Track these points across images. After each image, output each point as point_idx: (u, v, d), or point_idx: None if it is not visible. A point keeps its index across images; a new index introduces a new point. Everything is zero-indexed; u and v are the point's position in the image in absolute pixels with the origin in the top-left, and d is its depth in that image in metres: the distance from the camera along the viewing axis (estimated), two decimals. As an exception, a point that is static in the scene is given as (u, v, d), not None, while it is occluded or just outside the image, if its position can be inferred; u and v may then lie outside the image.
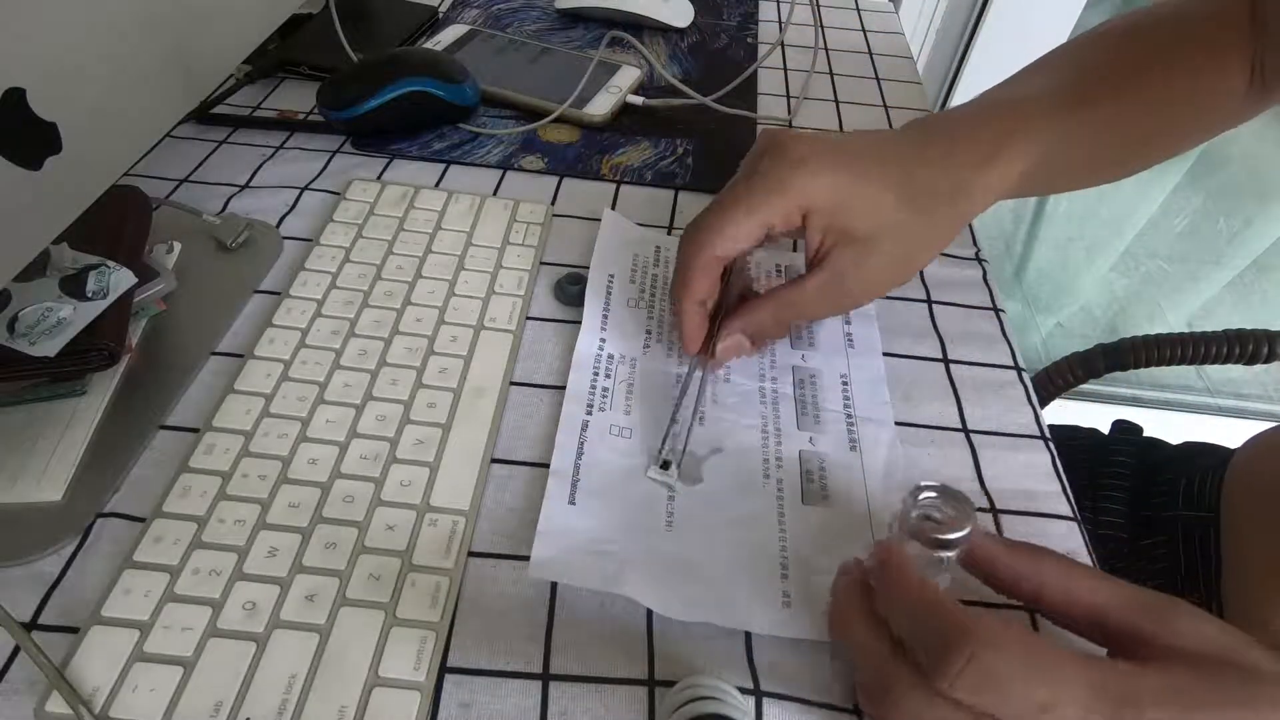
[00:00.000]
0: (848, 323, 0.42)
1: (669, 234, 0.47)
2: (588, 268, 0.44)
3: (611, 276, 0.43)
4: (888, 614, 0.25)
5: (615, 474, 0.34)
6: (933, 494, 0.26)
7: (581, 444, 0.35)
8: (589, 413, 0.36)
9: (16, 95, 0.28)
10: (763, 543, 0.32)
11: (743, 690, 0.27)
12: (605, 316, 0.41)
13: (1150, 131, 0.39)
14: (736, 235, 0.34)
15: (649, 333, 0.40)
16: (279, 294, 0.40)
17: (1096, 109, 0.36)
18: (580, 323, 0.40)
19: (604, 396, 0.37)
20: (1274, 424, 0.49)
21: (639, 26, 0.66)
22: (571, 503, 0.33)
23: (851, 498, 0.34)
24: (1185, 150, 0.42)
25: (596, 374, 0.38)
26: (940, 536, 0.26)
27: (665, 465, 0.34)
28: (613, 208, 0.48)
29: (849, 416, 0.37)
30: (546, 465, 0.34)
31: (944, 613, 0.22)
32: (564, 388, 0.38)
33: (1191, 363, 0.57)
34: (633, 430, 0.36)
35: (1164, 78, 0.37)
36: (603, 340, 0.40)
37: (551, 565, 0.30)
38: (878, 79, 0.64)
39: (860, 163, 0.34)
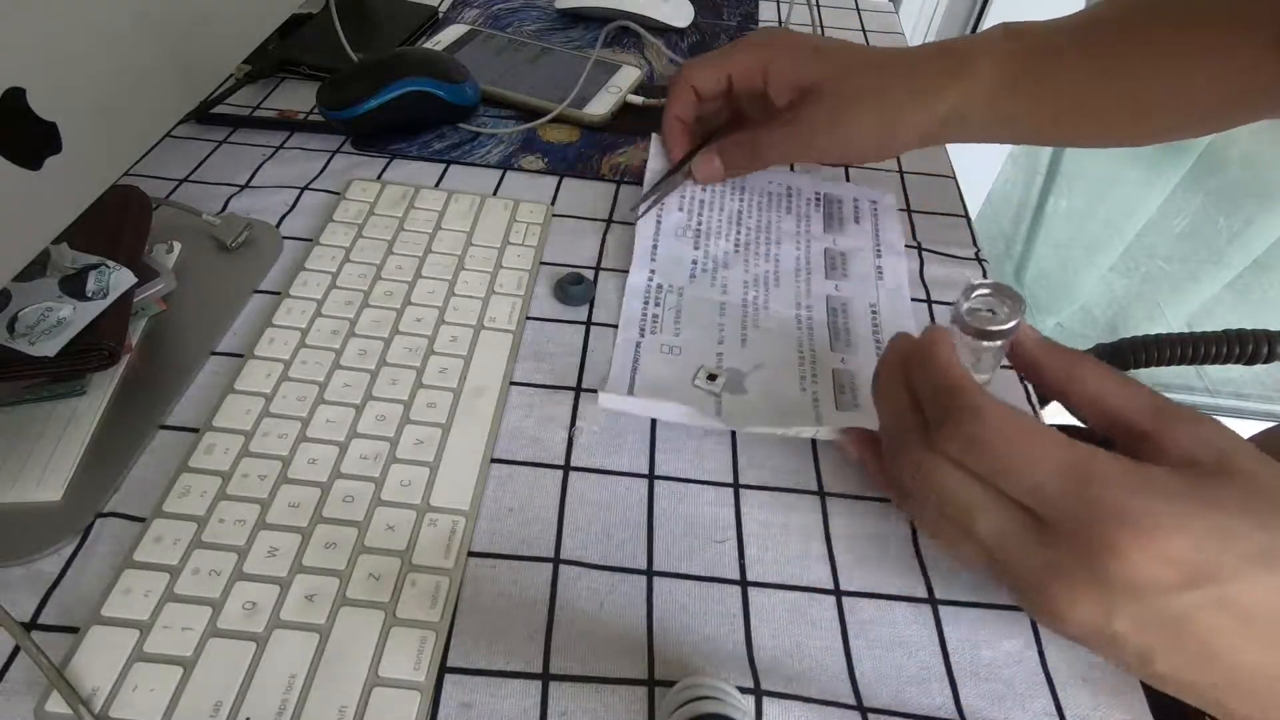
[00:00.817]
0: (879, 256, 0.46)
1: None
2: (589, 268, 0.44)
3: (662, 205, 0.46)
4: (915, 380, 0.27)
5: (668, 383, 0.38)
6: (985, 290, 0.28)
7: (636, 360, 0.39)
8: (641, 335, 0.40)
9: (16, 95, 0.28)
10: (798, 446, 0.36)
11: (743, 690, 0.27)
12: (655, 247, 0.44)
13: (1159, 98, 0.38)
14: (704, 73, 0.44)
15: (695, 263, 0.44)
16: (279, 294, 0.40)
17: (1100, 46, 0.38)
18: (581, 322, 0.41)
19: (654, 321, 0.41)
20: (1272, 424, 0.49)
21: (639, 26, 0.66)
22: (630, 394, 0.37)
23: None
24: (1199, 132, 0.41)
25: (647, 302, 0.42)
26: (985, 328, 0.27)
27: (712, 377, 0.38)
28: (612, 208, 0.48)
29: (877, 340, 0.41)
30: (547, 465, 0.35)
31: (956, 385, 0.25)
32: (564, 387, 0.38)
33: (1191, 363, 0.57)
34: (682, 349, 0.40)
35: (1177, 46, 0.37)
36: (652, 272, 0.43)
37: (614, 404, 0.36)
38: (878, 79, 0.64)
39: (827, 48, 0.42)
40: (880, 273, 0.45)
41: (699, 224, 0.46)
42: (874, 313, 0.42)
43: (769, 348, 0.40)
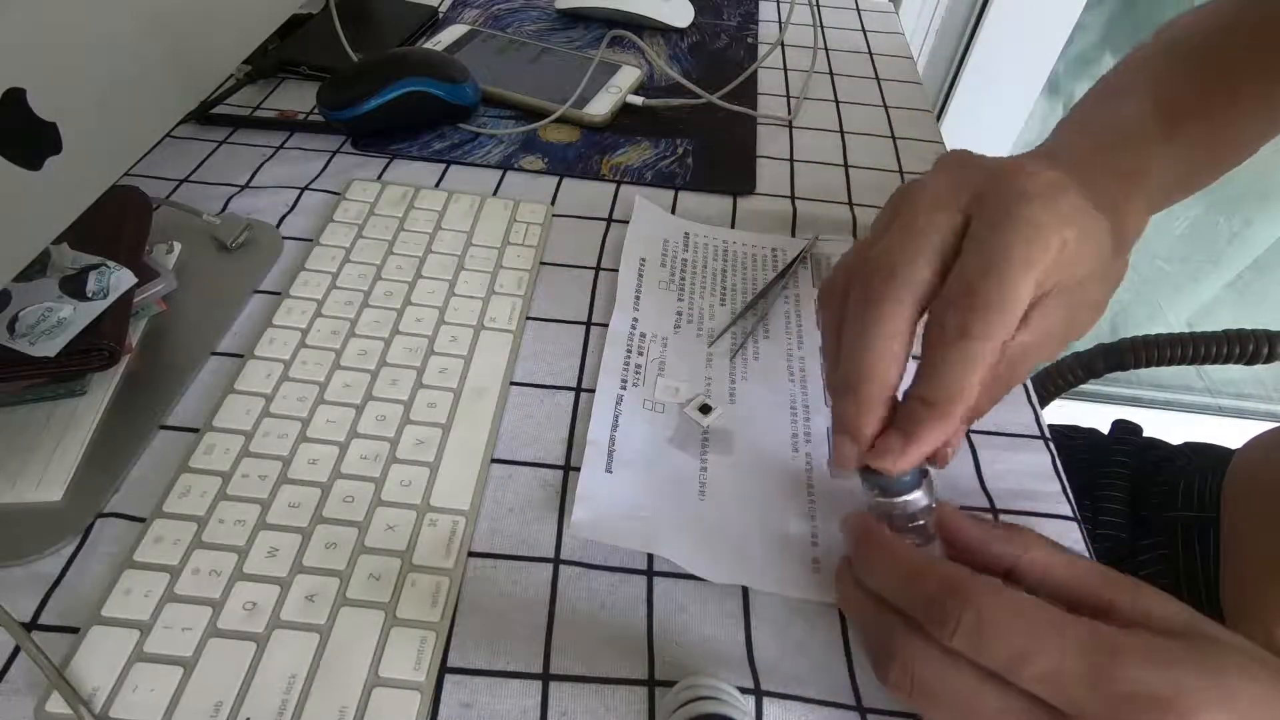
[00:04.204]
0: None
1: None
2: (589, 268, 0.44)
3: (643, 260, 0.44)
4: (875, 586, 0.25)
5: (649, 446, 0.35)
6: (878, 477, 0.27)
7: (617, 416, 0.36)
8: (623, 387, 0.38)
9: (16, 95, 0.28)
10: (793, 512, 0.34)
11: (743, 690, 0.27)
12: (638, 297, 0.42)
13: (1238, 141, 0.40)
14: (1021, 303, 0.24)
15: (679, 314, 0.42)
16: (279, 294, 0.40)
17: (1188, 129, 0.37)
18: (581, 322, 0.41)
19: (637, 372, 0.38)
20: (1274, 424, 0.49)
21: (639, 26, 0.66)
22: (609, 471, 0.34)
23: None
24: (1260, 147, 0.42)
25: (630, 350, 0.39)
26: (893, 491, 0.26)
27: (705, 409, 0.37)
28: (612, 208, 0.48)
29: None
30: (547, 465, 0.35)
31: (931, 570, 0.23)
32: (564, 387, 0.38)
33: (1191, 363, 0.57)
34: (665, 405, 0.37)
35: (1247, 89, 0.38)
36: (635, 320, 0.41)
37: (592, 527, 0.32)
38: (878, 79, 0.64)
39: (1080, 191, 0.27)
40: None
41: (682, 279, 0.43)
42: None
43: (759, 402, 0.38)
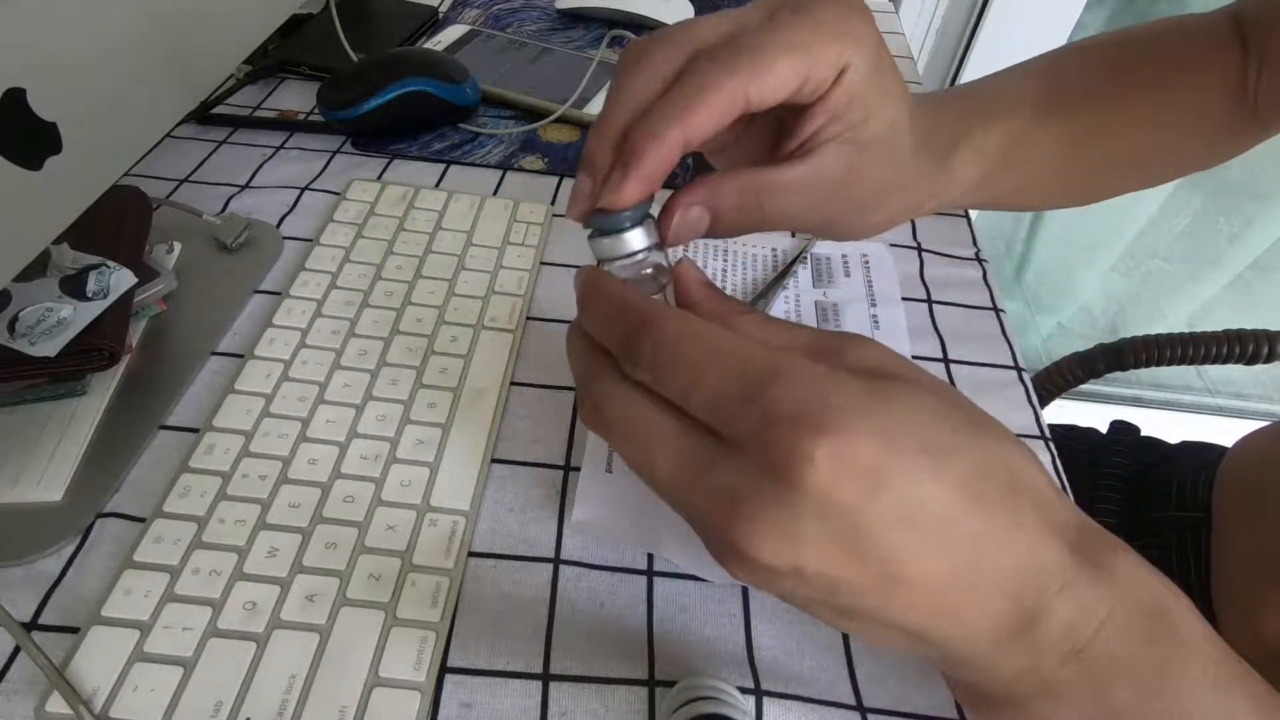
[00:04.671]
0: (874, 306, 0.43)
1: None
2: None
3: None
4: (586, 327, 0.24)
5: None
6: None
7: None
8: None
9: (16, 95, 0.28)
10: None
11: (743, 690, 0.27)
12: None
13: (1129, 152, 0.37)
14: (771, 74, 0.24)
15: None
16: (279, 294, 0.40)
17: (1071, 118, 0.35)
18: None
19: None
20: (1269, 422, 0.49)
21: (639, 26, 0.66)
22: (609, 471, 0.34)
23: None
24: (1163, 180, 0.41)
25: None
26: (608, 229, 0.25)
27: None
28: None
29: None
30: (547, 465, 0.35)
31: (627, 303, 0.22)
32: (564, 388, 0.38)
33: (1191, 363, 0.57)
34: None
35: (1151, 95, 0.36)
36: None
37: (592, 527, 0.32)
38: (878, 79, 0.64)
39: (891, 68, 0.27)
40: (876, 322, 0.42)
41: None
42: None
43: None
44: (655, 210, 0.26)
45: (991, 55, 1.15)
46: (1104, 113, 0.36)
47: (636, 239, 0.25)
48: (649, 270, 0.26)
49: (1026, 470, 0.20)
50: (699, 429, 0.20)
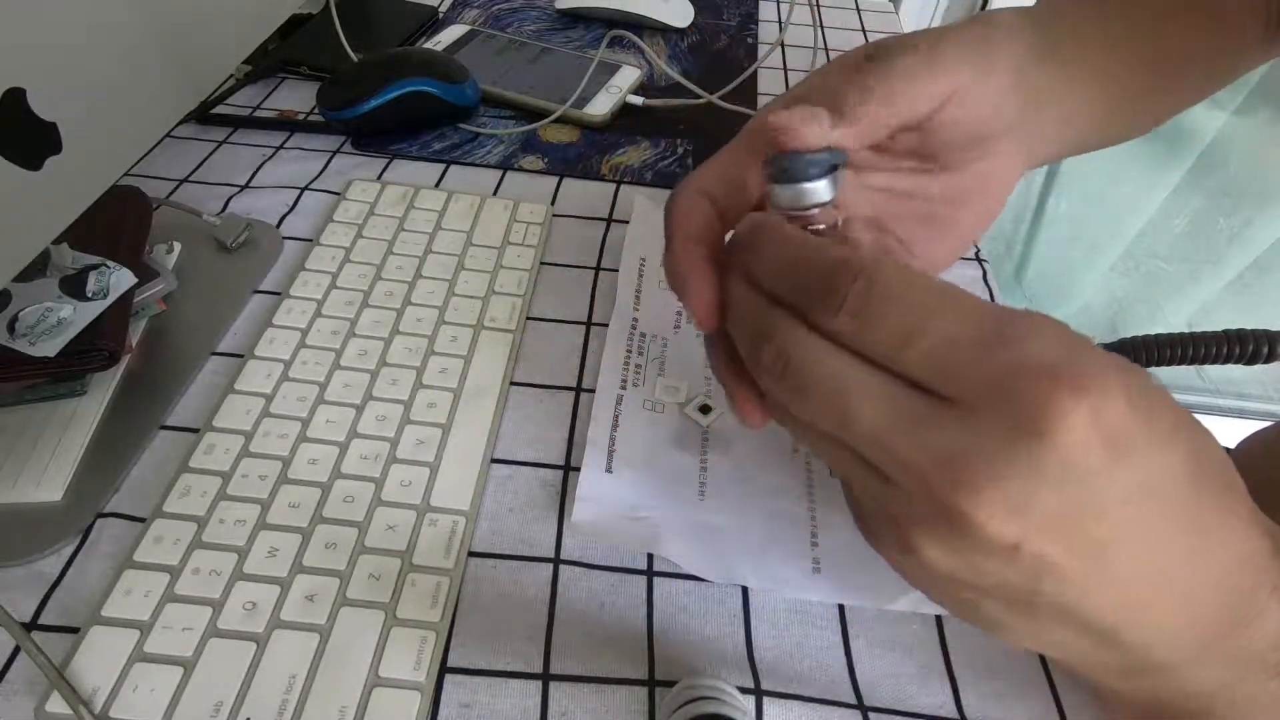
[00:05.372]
0: None
1: None
2: (589, 268, 0.44)
3: (643, 260, 0.44)
4: (761, 274, 0.21)
5: (649, 446, 0.35)
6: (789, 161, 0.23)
7: (617, 416, 0.36)
8: (623, 387, 0.38)
9: (16, 95, 0.28)
10: (793, 512, 0.33)
11: (743, 690, 0.27)
12: (638, 297, 0.42)
13: (1172, 73, 0.34)
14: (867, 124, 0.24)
15: (679, 314, 0.42)
16: (279, 294, 0.40)
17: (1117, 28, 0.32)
18: (581, 322, 0.41)
19: (637, 372, 0.38)
20: (1269, 423, 0.49)
21: (639, 26, 0.66)
22: (609, 471, 0.34)
23: None
24: (1193, 102, 0.37)
25: (630, 350, 0.39)
26: (800, 185, 0.22)
27: (705, 409, 0.37)
28: (612, 208, 0.48)
29: None
30: (547, 465, 0.35)
31: (823, 250, 0.20)
32: (564, 388, 0.38)
33: (1191, 363, 0.57)
34: (665, 406, 0.37)
35: (1187, 16, 0.33)
36: (635, 319, 0.41)
37: (591, 527, 0.32)
38: (878, 79, 0.64)
39: (987, 43, 0.26)
40: None
41: None
42: None
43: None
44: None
45: (991, 55, 1.15)
46: (1146, 31, 0.33)
47: (824, 190, 0.22)
48: (820, 226, 0.23)
49: (1230, 466, 0.18)
50: (909, 385, 0.18)
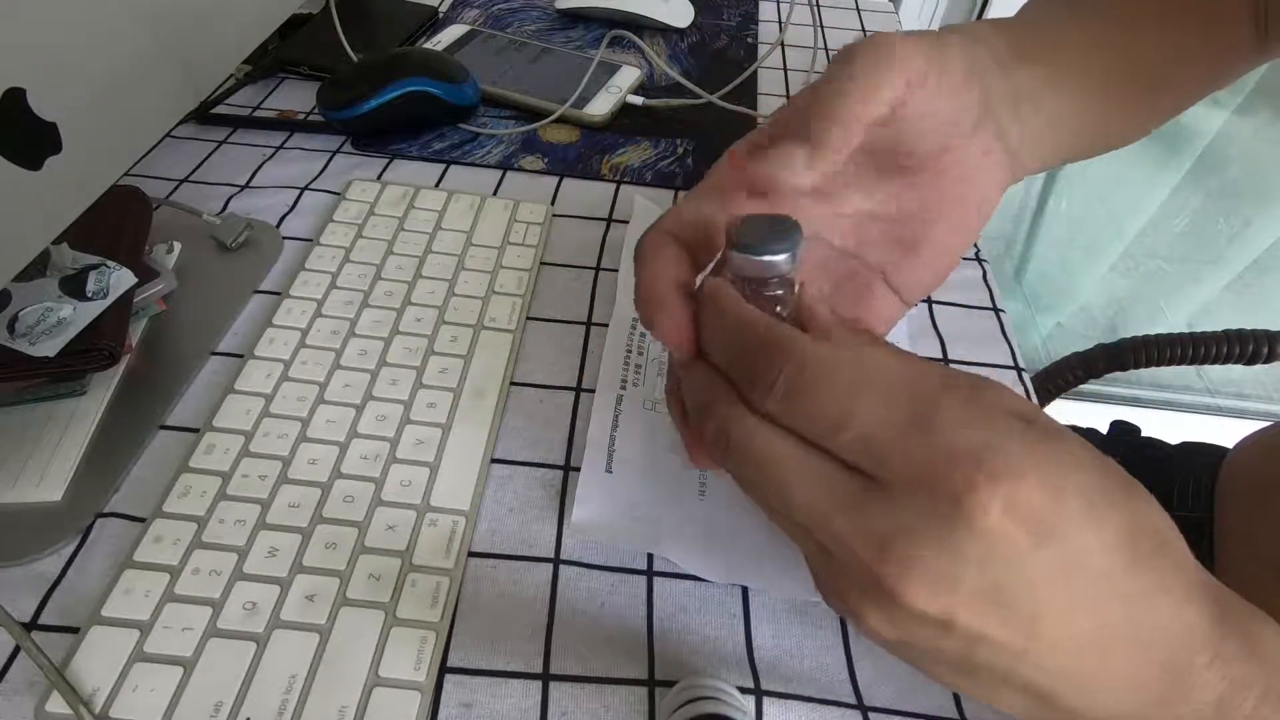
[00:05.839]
0: None
1: None
2: (589, 268, 0.44)
3: None
4: (706, 346, 0.23)
5: (649, 446, 0.35)
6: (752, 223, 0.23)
7: (617, 416, 0.36)
8: (623, 387, 0.38)
9: (16, 95, 0.28)
10: None
11: (743, 690, 0.27)
12: None
13: (1161, 74, 0.34)
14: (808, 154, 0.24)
15: None
16: (279, 294, 0.40)
17: (1108, 37, 0.32)
18: (581, 322, 0.41)
19: (637, 372, 0.38)
20: (1270, 423, 0.49)
21: (639, 26, 0.66)
22: (609, 471, 0.34)
23: None
24: (1187, 104, 0.37)
25: (630, 350, 0.39)
26: (760, 258, 0.23)
27: None
28: (612, 208, 0.48)
29: None
30: (547, 465, 0.35)
31: (758, 328, 0.21)
32: (564, 387, 0.38)
33: (1191, 363, 0.57)
34: (664, 405, 0.37)
35: (1176, 16, 0.33)
36: (635, 319, 0.41)
37: (591, 527, 0.32)
38: (878, 79, 0.64)
39: (946, 45, 0.26)
40: None
41: None
42: None
43: None
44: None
45: (991, 55, 1.15)
46: (1138, 33, 0.33)
47: (783, 263, 0.23)
48: (779, 292, 0.23)
49: (1170, 531, 0.19)
50: (840, 465, 0.19)
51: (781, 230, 0.23)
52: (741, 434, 0.20)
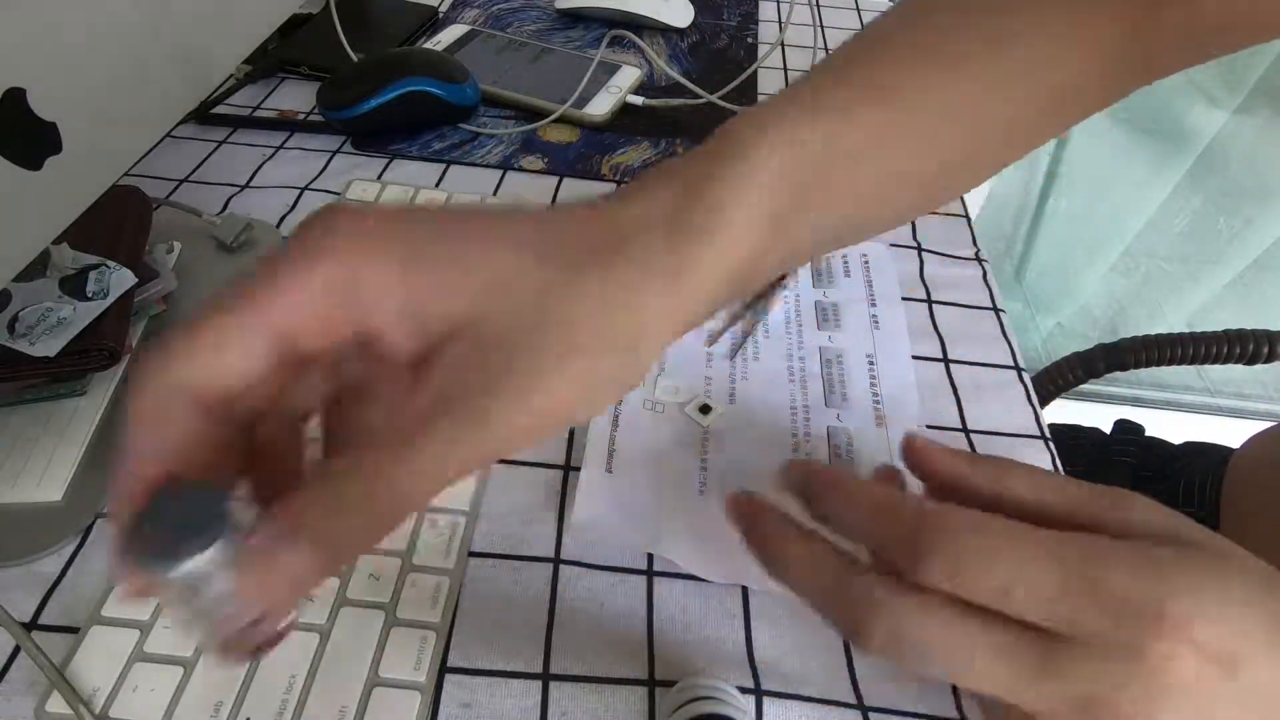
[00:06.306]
0: (873, 306, 0.43)
1: None
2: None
3: None
4: (837, 522, 0.22)
5: (649, 446, 0.35)
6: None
7: (617, 416, 0.36)
8: None
9: (16, 95, 0.28)
10: (792, 512, 0.33)
11: (743, 690, 0.27)
12: None
13: (992, 117, 0.26)
14: (218, 351, 0.18)
15: None
16: (279, 294, 0.40)
17: (903, 98, 0.24)
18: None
19: None
20: (1273, 423, 0.49)
21: (639, 26, 0.66)
22: (609, 470, 0.34)
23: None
24: (1035, 145, 0.28)
25: None
26: None
27: (705, 409, 0.37)
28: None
29: (875, 395, 0.38)
30: (547, 465, 0.35)
31: (901, 504, 0.21)
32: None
33: (1191, 363, 0.57)
34: (665, 405, 0.37)
35: (1011, 47, 0.25)
36: None
37: (591, 527, 0.32)
38: (878, 79, 0.64)
39: (454, 223, 0.20)
40: (876, 322, 0.42)
41: None
42: (871, 364, 0.40)
43: (759, 402, 0.38)
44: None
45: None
46: (956, 83, 0.25)
47: (209, 562, 0.16)
48: (220, 589, 0.16)
49: None
50: (1021, 630, 0.19)
51: (199, 514, 0.16)
52: (910, 616, 0.20)
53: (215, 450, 0.19)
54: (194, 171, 0.48)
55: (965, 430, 0.38)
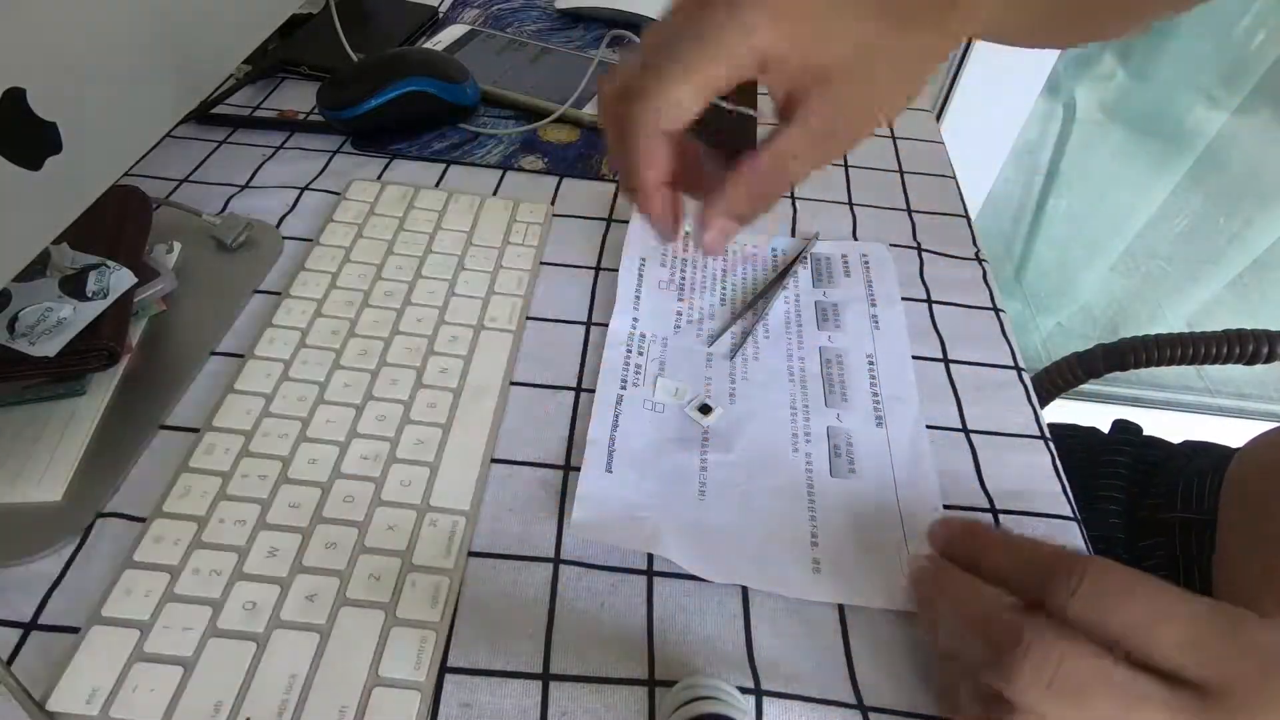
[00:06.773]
0: (873, 306, 0.43)
1: None
2: (589, 268, 0.44)
3: (643, 260, 0.44)
4: (999, 565, 0.27)
5: (649, 446, 0.35)
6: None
7: (617, 416, 0.36)
8: (623, 387, 0.38)
9: (16, 95, 0.28)
10: (792, 512, 0.33)
11: (743, 690, 0.27)
12: (638, 298, 0.42)
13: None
14: (682, 95, 0.27)
15: (679, 314, 0.42)
16: (279, 294, 0.40)
17: None
18: (581, 322, 0.41)
19: (637, 372, 0.38)
20: (1274, 424, 0.49)
21: (639, 26, 0.66)
22: (609, 470, 0.34)
23: (878, 472, 0.35)
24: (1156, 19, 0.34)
25: (630, 351, 0.39)
26: None
27: (705, 409, 0.37)
28: (612, 208, 0.48)
29: (875, 395, 0.38)
30: (547, 465, 0.35)
31: (1043, 544, 0.26)
32: (564, 387, 0.38)
33: (1191, 363, 0.57)
34: (665, 406, 0.37)
35: None
36: (635, 319, 0.41)
37: (591, 527, 0.32)
38: (878, 79, 0.64)
39: (829, 10, 0.27)
40: (876, 322, 0.42)
41: (681, 279, 0.44)
42: (871, 364, 0.40)
43: (759, 402, 0.38)
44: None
45: (991, 55, 1.15)
46: None
47: None
48: None
49: None
50: (1151, 673, 0.22)
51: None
52: (1073, 658, 0.23)
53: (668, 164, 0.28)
54: (194, 171, 0.48)
55: (965, 430, 0.38)
